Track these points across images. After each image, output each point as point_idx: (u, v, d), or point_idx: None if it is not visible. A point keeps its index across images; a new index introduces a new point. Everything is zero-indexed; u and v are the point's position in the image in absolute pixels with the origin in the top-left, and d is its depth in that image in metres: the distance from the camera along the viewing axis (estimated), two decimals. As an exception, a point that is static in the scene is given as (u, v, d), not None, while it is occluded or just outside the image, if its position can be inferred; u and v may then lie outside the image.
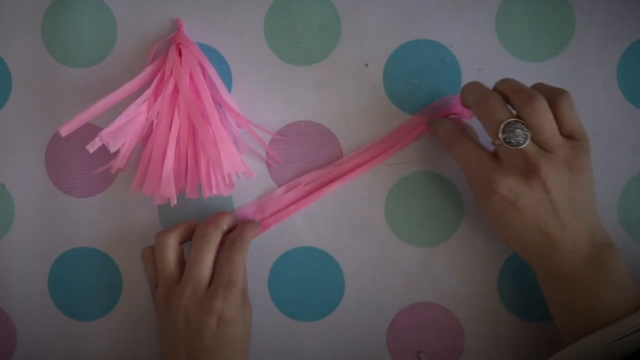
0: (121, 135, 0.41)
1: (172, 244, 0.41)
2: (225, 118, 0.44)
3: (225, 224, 0.42)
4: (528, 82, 0.43)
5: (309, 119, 0.45)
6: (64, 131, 0.40)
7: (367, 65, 0.44)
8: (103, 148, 0.40)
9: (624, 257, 0.44)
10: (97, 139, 0.40)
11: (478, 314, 0.45)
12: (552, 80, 0.43)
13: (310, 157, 0.45)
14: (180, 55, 0.42)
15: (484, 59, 0.44)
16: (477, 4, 0.44)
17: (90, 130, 0.44)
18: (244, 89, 0.45)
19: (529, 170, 0.36)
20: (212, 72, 0.43)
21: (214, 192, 0.42)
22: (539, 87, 0.39)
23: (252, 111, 0.45)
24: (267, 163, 0.45)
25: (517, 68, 0.44)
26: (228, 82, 0.44)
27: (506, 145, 0.37)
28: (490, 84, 0.43)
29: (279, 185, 0.45)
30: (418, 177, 0.45)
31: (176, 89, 0.42)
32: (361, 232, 0.45)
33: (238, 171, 0.42)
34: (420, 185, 0.45)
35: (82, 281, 0.46)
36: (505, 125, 0.36)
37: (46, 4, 0.45)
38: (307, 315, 0.45)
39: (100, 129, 0.41)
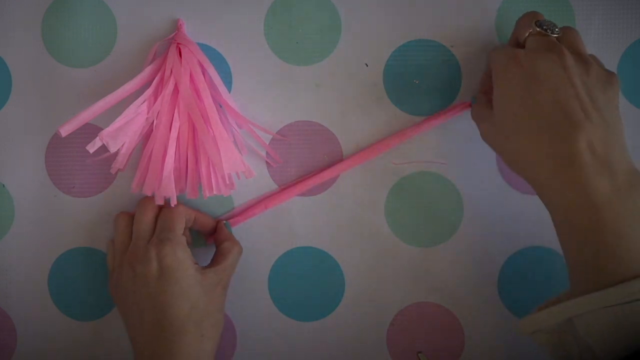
0: (121, 135, 0.41)
1: (154, 207, 0.42)
2: (225, 118, 0.44)
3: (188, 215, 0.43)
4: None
5: (309, 119, 0.45)
6: (64, 131, 0.39)
7: (367, 65, 0.44)
8: (103, 148, 0.40)
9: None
10: (97, 138, 0.40)
11: (478, 314, 0.45)
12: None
13: (310, 157, 0.45)
14: (180, 55, 0.42)
15: (484, 58, 0.44)
16: (477, 3, 0.44)
17: (90, 130, 0.44)
18: (244, 89, 0.45)
19: (551, 47, 0.35)
20: (212, 72, 0.43)
21: (214, 192, 0.42)
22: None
23: (252, 111, 0.45)
24: (267, 163, 0.45)
25: (517, 68, 0.44)
26: (228, 82, 0.45)
27: (539, 30, 0.37)
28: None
29: (279, 185, 0.45)
30: (418, 177, 0.45)
31: (176, 89, 0.42)
32: (361, 232, 0.45)
33: (238, 171, 0.42)
34: (420, 185, 0.45)
35: (82, 281, 0.46)
36: (538, 20, 0.37)
37: (46, 4, 0.45)
38: (307, 315, 0.45)
39: (100, 129, 0.41)
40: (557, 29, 0.37)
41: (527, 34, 0.38)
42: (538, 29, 0.37)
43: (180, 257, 0.40)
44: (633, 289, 0.30)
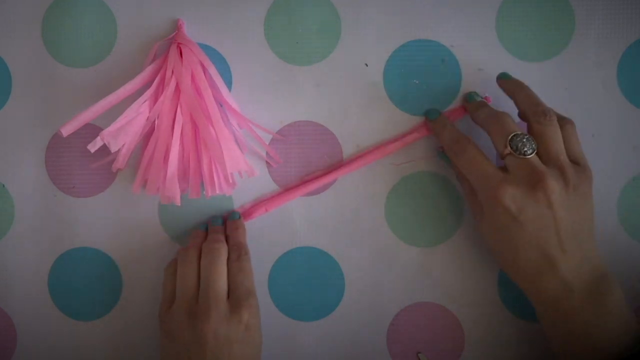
0: (122, 135, 0.41)
1: (196, 257, 0.41)
2: (226, 118, 0.44)
3: (223, 235, 0.43)
4: (529, 83, 0.44)
5: (309, 119, 0.45)
6: (65, 131, 0.39)
7: (367, 65, 0.44)
8: (103, 148, 0.40)
9: (623, 258, 0.44)
10: (98, 138, 0.40)
11: (478, 314, 0.45)
12: (552, 80, 0.44)
13: (310, 157, 0.45)
14: (181, 55, 0.43)
15: (484, 59, 0.44)
16: (477, 3, 0.44)
17: (90, 130, 0.44)
18: (244, 89, 0.45)
19: (535, 181, 0.37)
20: (213, 71, 0.43)
21: (217, 191, 0.42)
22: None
23: (252, 111, 0.45)
24: (267, 163, 0.45)
25: (518, 68, 0.44)
26: (228, 82, 0.45)
27: (514, 155, 0.38)
28: (490, 83, 0.44)
29: (279, 185, 0.45)
30: (418, 177, 0.45)
31: (178, 89, 0.42)
32: (361, 232, 0.45)
33: (241, 170, 0.42)
34: (420, 185, 0.45)
35: (82, 281, 0.46)
36: (513, 136, 0.38)
37: (46, 4, 0.45)
38: (307, 315, 0.45)
39: (100, 129, 0.41)
40: (533, 145, 0.38)
41: (505, 152, 0.38)
42: (515, 152, 0.38)
43: (259, 311, 0.41)
44: None
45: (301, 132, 0.45)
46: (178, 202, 0.41)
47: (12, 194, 0.45)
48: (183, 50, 0.43)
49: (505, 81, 0.42)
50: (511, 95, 0.41)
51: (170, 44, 0.43)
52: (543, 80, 0.44)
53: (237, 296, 0.40)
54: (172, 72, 0.42)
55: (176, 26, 0.44)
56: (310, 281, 0.45)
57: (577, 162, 0.39)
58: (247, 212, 0.45)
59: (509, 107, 0.43)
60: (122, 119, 0.41)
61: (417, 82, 0.44)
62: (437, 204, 0.45)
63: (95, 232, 0.45)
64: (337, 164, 0.45)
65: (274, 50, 0.45)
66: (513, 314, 0.45)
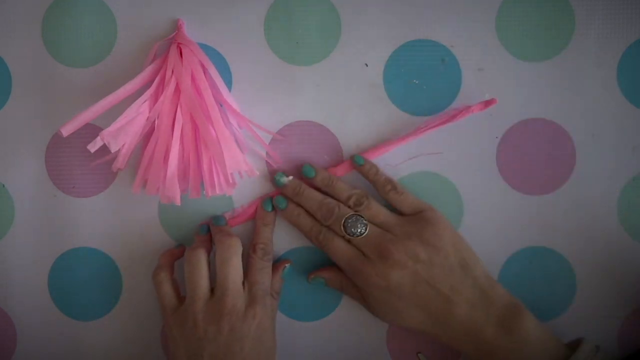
0: (122, 135, 0.41)
1: (205, 258, 0.41)
2: (226, 118, 0.44)
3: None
4: (529, 83, 0.44)
5: (308, 119, 0.45)
6: (66, 131, 0.39)
7: (367, 65, 0.44)
8: (103, 148, 0.40)
9: (623, 258, 0.44)
10: (98, 138, 0.40)
11: (478, 314, 0.45)
12: (552, 80, 0.44)
13: (310, 157, 0.45)
14: (181, 55, 0.42)
15: (484, 58, 0.44)
16: (477, 4, 0.44)
17: (90, 130, 0.44)
18: (244, 89, 0.45)
19: (382, 253, 0.40)
20: (213, 71, 0.43)
21: (217, 191, 0.42)
22: (371, 177, 0.43)
23: (252, 111, 0.45)
24: (267, 163, 0.45)
25: (517, 68, 0.44)
26: (228, 82, 0.45)
27: (353, 238, 0.41)
28: (490, 83, 0.44)
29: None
30: (418, 177, 0.45)
31: (178, 89, 0.42)
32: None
33: (241, 170, 0.42)
34: (420, 185, 0.45)
35: (82, 281, 0.46)
36: (345, 220, 0.41)
37: (46, 4, 0.45)
38: (307, 315, 0.45)
39: (100, 129, 0.41)
40: (363, 221, 0.41)
41: (346, 238, 0.41)
42: (352, 236, 0.41)
43: (273, 313, 0.42)
44: None
45: (301, 132, 0.45)
46: (178, 202, 0.41)
47: (12, 194, 0.45)
48: (183, 51, 0.43)
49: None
50: (318, 217, 0.43)
51: (170, 44, 0.43)
52: (543, 80, 0.44)
53: (254, 293, 0.41)
54: (172, 72, 0.42)
55: (176, 26, 0.44)
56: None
57: (415, 212, 0.42)
58: (247, 212, 0.45)
59: (509, 108, 0.43)
60: (122, 119, 0.41)
61: (417, 82, 0.44)
62: (437, 204, 0.44)
63: (95, 232, 0.45)
64: (335, 164, 0.45)
65: (274, 50, 0.45)
66: (513, 314, 0.45)
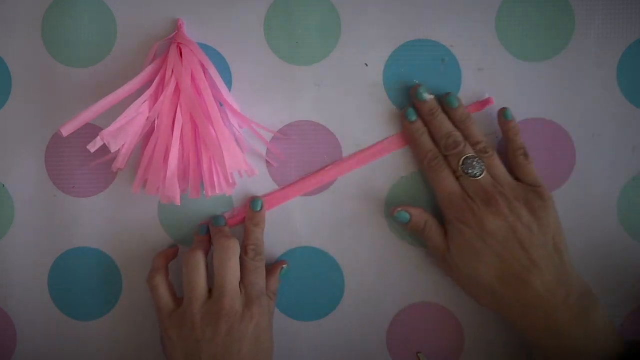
0: (122, 135, 0.41)
1: (203, 259, 0.42)
2: (226, 117, 0.44)
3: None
4: (529, 83, 0.44)
5: (308, 119, 0.45)
6: (66, 131, 0.39)
7: (367, 65, 0.44)
8: (103, 148, 0.40)
9: (623, 258, 0.44)
10: (98, 138, 0.40)
11: (478, 314, 0.45)
12: (552, 80, 0.44)
13: (310, 156, 0.45)
14: (181, 55, 0.42)
15: (484, 58, 0.44)
16: (477, 3, 0.44)
17: (90, 130, 0.44)
18: (244, 89, 0.45)
19: (488, 199, 0.40)
20: (213, 71, 0.43)
21: (217, 191, 0.42)
22: (515, 143, 0.43)
23: (251, 111, 0.45)
24: (267, 163, 0.45)
25: (517, 68, 0.44)
26: (228, 82, 0.45)
27: (465, 176, 0.41)
28: (490, 83, 0.44)
29: (279, 185, 0.45)
30: (418, 177, 0.45)
31: (178, 89, 0.42)
32: (361, 231, 0.45)
33: (241, 170, 0.42)
34: (420, 184, 0.45)
35: (82, 281, 0.46)
36: (464, 159, 0.41)
37: (46, 4, 0.45)
38: (307, 315, 0.45)
39: (100, 129, 0.41)
40: (482, 167, 0.41)
41: (458, 173, 0.41)
42: (465, 175, 0.41)
43: (270, 314, 0.42)
44: None
45: (301, 132, 0.45)
46: (178, 202, 0.41)
47: (12, 194, 0.45)
48: (183, 50, 0.43)
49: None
50: (439, 140, 0.43)
51: (170, 44, 0.43)
52: (543, 81, 0.44)
53: (250, 294, 0.41)
54: (172, 72, 0.42)
55: (176, 26, 0.44)
56: (310, 281, 0.45)
57: (534, 185, 0.41)
58: (243, 212, 0.45)
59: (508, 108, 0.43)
60: (122, 119, 0.41)
61: (417, 82, 0.44)
62: (436, 203, 0.45)
63: (95, 232, 0.45)
64: (335, 163, 0.45)
65: (274, 50, 0.45)
66: (513, 314, 0.45)
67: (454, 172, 0.42)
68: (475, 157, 0.41)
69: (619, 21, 0.44)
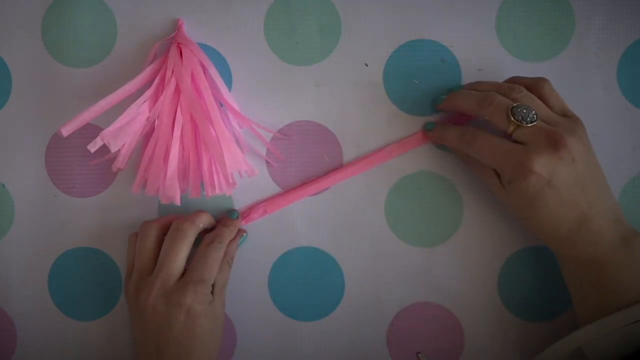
0: (122, 135, 0.41)
1: (154, 234, 0.42)
2: (226, 117, 0.44)
3: (202, 222, 0.43)
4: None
5: (308, 119, 0.45)
6: (66, 131, 0.39)
7: (367, 65, 0.44)
8: (103, 148, 0.40)
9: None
10: (98, 138, 0.40)
11: (478, 314, 0.45)
12: (552, 80, 0.43)
13: (309, 156, 0.45)
14: (181, 55, 0.42)
15: (484, 58, 0.44)
16: (477, 3, 0.44)
17: (90, 130, 0.44)
18: (244, 89, 0.45)
19: (554, 142, 0.37)
20: (213, 71, 0.43)
21: (217, 191, 0.42)
22: (516, 80, 0.41)
23: (252, 111, 0.44)
24: (267, 163, 0.45)
25: (517, 68, 0.44)
26: (228, 82, 0.44)
27: (523, 125, 0.38)
28: (490, 84, 0.44)
29: (279, 185, 0.45)
30: (418, 176, 0.45)
31: (178, 89, 0.42)
32: (361, 232, 0.45)
33: (241, 170, 0.42)
34: (420, 185, 0.45)
35: (82, 281, 0.46)
36: (512, 109, 0.38)
37: (46, 4, 0.45)
38: (307, 315, 0.45)
39: (100, 129, 0.41)
40: (533, 110, 0.38)
41: (511, 128, 0.38)
42: (522, 123, 0.38)
43: (208, 301, 0.40)
44: (633, 313, 0.36)
45: (301, 132, 0.45)
46: (178, 201, 0.41)
47: (12, 194, 0.45)
48: (183, 50, 0.43)
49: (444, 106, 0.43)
50: (474, 108, 0.40)
51: (170, 44, 0.43)
52: (543, 80, 0.44)
53: (186, 280, 0.40)
54: (172, 72, 0.42)
55: (176, 26, 0.44)
56: (310, 281, 0.45)
57: (566, 115, 0.39)
58: (246, 214, 0.45)
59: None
60: (122, 119, 0.41)
61: (417, 82, 0.44)
62: (437, 203, 0.45)
63: (95, 232, 0.45)
64: (337, 168, 0.45)
65: (274, 50, 0.45)
66: (513, 314, 0.45)
67: (504, 131, 0.39)
68: (520, 104, 0.38)
69: (619, 21, 0.44)
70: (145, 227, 0.42)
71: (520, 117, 0.37)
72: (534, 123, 0.37)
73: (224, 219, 0.44)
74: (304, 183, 0.45)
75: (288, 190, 0.45)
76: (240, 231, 0.44)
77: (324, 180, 0.44)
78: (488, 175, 0.40)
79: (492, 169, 0.40)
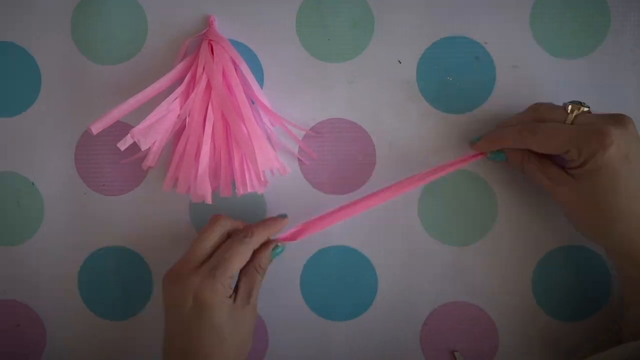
0: (152, 132, 0.41)
1: (220, 230, 0.40)
2: (258, 115, 0.43)
3: (263, 234, 0.41)
4: (563, 80, 0.43)
5: (341, 116, 0.44)
6: (95, 129, 0.39)
7: (400, 62, 0.44)
8: (134, 146, 0.40)
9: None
10: (128, 136, 0.40)
11: (512, 314, 0.44)
12: (587, 77, 0.43)
13: (343, 154, 0.44)
14: (213, 51, 0.42)
15: (518, 55, 0.44)
16: (511, 0, 0.43)
17: (120, 127, 0.44)
18: (276, 86, 0.44)
19: (621, 119, 0.37)
20: (244, 68, 0.43)
21: (248, 189, 0.42)
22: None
23: (283, 108, 0.44)
24: (299, 160, 0.45)
25: (552, 65, 0.43)
26: (259, 79, 0.44)
27: (583, 111, 0.38)
28: (524, 81, 0.43)
29: (311, 183, 0.45)
30: (452, 175, 0.44)
31: (209, 86, 0.42)
32: (394, 231, 0.44)
33: (272, 168, 0.42)
34: (454, 183, 0.44)
35: (112, 280, 0.45)
36: (564, 104, 0.39)
37: (75, 1, 0.44)
38: (339, 314, 0.45)
39: (130, 127, 0.41)
40: (584, 103, 0.39)
41: (572, 116, 0.38)
42: (582, 108, 0.38)
43: (222, 295, 0.38)
44: None
45: (333, 130, 0.44)
46: (209, 200, 0.41)
47: (41, 192, 0.45)
48: (214, 47, 0.42)
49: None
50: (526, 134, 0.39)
51: (201, 40, 0.43)
52: (578, 78, 0.43)
53: (203, 266, 0.39)
54: (203, 69, 0.42)
55: (207, 22, 0.44)
56: (343, 280, 0.45)
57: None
58: (290, 236, 0.43)
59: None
60: (152, 116, 0.41)
61: (450, 79, 0.44)
62: (470, 202, 0.44)
63: (125, 231, 0.45)
64: (368, 161, 0.44)
65: (305, 46, 0.44)
66: (547, 313, 0.44)
67: (563, 121, 0.38)
68: (571, 101, 0.39)
69: (656, 17, 0.43)
70: (218, 222, 0.41)
71: (577, 104, 0.38)
72: (589, 109, 0.38)
73: (269, 218, 0.43)
74: (344, 207, 0.43)
75: (327, 214, 0.43)
76: (275, 240, 0.42)
77: (363, 202, 0.42)
78: (550, 172, 0.39)
79: (554, 165, 0.39)
